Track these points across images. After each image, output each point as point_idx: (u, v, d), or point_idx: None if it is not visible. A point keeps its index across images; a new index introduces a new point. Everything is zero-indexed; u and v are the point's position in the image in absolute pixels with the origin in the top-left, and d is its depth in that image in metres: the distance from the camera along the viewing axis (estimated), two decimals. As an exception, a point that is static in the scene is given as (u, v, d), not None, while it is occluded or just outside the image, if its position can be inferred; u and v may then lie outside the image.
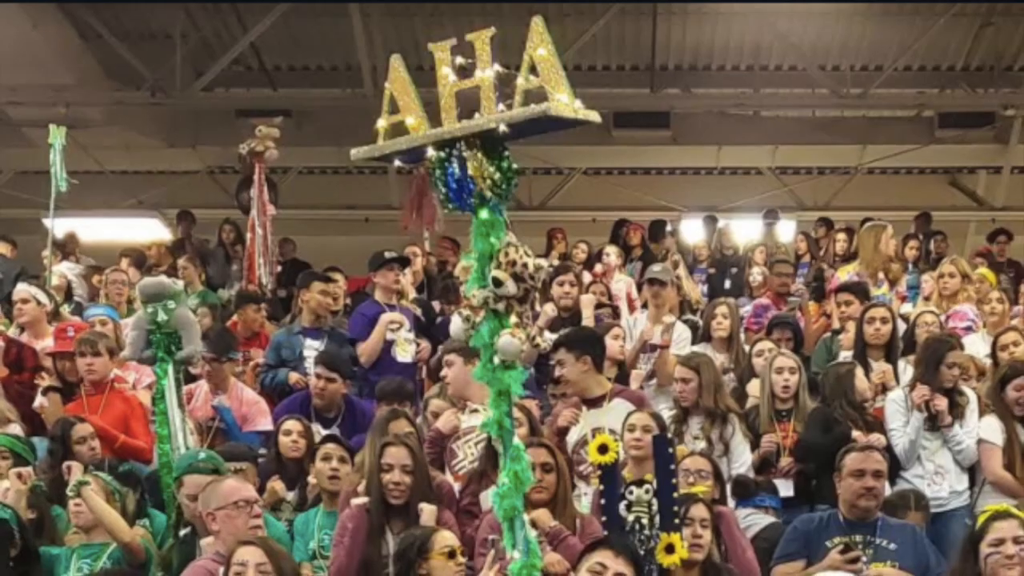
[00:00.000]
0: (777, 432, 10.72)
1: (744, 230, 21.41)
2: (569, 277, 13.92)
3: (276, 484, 10.10)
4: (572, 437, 9.69)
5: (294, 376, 12.53)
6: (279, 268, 17.26)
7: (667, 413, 10.40)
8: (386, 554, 8.10)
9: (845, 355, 12.20)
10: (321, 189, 25.44)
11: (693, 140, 24.45)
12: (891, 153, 24.58)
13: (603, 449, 7.82)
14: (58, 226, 16.61)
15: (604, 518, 7.81)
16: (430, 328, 14.01)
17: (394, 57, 5.91)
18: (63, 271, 17.15)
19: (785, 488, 10.55)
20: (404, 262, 14.45)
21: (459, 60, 5.65)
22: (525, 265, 5.67)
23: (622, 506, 7.78)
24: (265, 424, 11.65)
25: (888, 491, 9.39)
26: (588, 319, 13.33)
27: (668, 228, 21.28)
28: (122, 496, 9.11)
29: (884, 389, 11.30)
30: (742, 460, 10.38)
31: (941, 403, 10.44)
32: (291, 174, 23.85)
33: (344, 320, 13.91)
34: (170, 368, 9.82)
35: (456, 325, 5.99)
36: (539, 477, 7.61)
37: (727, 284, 18.26)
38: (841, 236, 19.33)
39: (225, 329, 13.25)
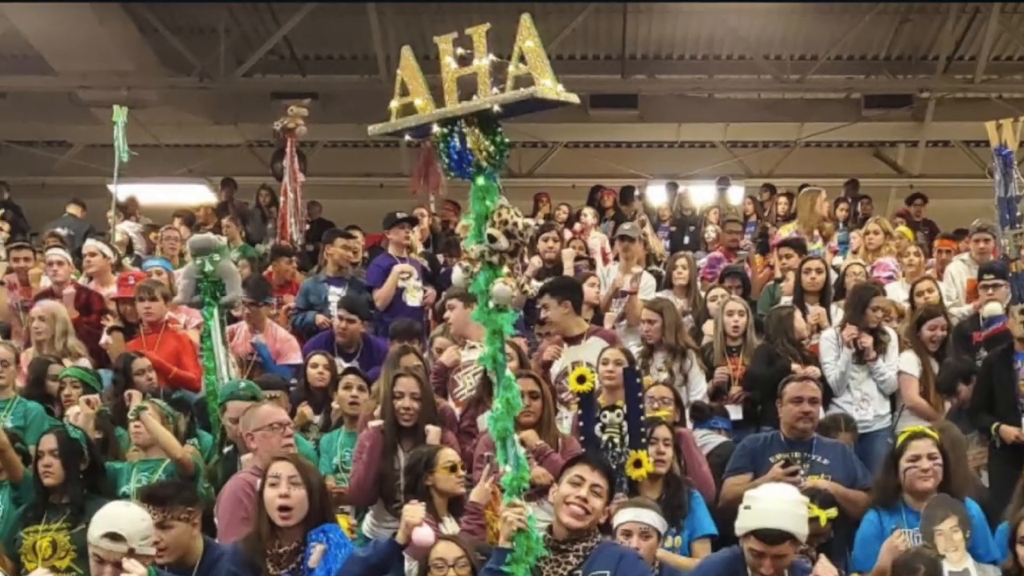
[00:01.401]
0: (728, 365, 10.74)
1: (700, 195, 21.25)
2: (552, 234, 14.00)
3: (305, 409, 10.10)
4: (555, 369, 9.65)
5: (320, 318, 12.49)
6: (307, 226, 17.14)
7: (635, 349, 10.37)
8: (398, 468, 8.08)
9: (786, 300, 12.17)
10: (343, 160, 25.36)
11: (657, 118, 24.38)
12: (824, 129, 24.54)
13: (581, 379, 7.85)
14: (121, 191, 16.56)
15: (582, 438, 7.85)
16: (435, 277, 13.96)
17: (404, 48, 5.95)
18: (125, 229, 17.09)
19: (735, 412, 10.58)
20: (413, 221, 14.44)
21: (459, 51, 5.70)
22: (515, 224, 5.70)
23: (597, 428, 7.82)
24: (296, 358, 11.62)
25: (822, 415, 9.37)
26: (568, 270, 13.32)
27: (636, 193, 21.16)
28: (175, 419, 9.09)
29: (819, 329, 11.29)
30: (699, 389, 10.40)
31: (867, 340, 10.43)
32: (317, 147, 23.75)
33: (362, 270, 13.86)
34: (215, 311, 9.80)
35: (457, 275, 6.00)
36: (527, 403, 7.57)
37: (686, 240, 18.16)
38: (782, 199, 19.28)
39: (262, 278, 13.22)
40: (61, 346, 10.74)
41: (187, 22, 22.29)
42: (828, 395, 10.26)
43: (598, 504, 6.21)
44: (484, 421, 7.41)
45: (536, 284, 10.53)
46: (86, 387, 9.56)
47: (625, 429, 7.79)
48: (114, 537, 6.06)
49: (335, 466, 8.98)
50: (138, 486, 8.19)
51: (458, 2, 18.98)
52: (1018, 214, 9.96)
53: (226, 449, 8.93)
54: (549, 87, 5.47)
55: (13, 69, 22.57)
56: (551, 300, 9.90)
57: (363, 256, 14.86)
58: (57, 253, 12.53)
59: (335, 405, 9.81)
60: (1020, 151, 10.15)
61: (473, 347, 9.50)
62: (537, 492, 7.20)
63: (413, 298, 12.76)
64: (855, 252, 14.71)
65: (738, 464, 8.62)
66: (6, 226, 15.25)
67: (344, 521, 7.73)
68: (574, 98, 5.65)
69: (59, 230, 16.71)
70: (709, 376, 10.61)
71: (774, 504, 6.13)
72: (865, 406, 10.45)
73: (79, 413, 9.06)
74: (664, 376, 10.03)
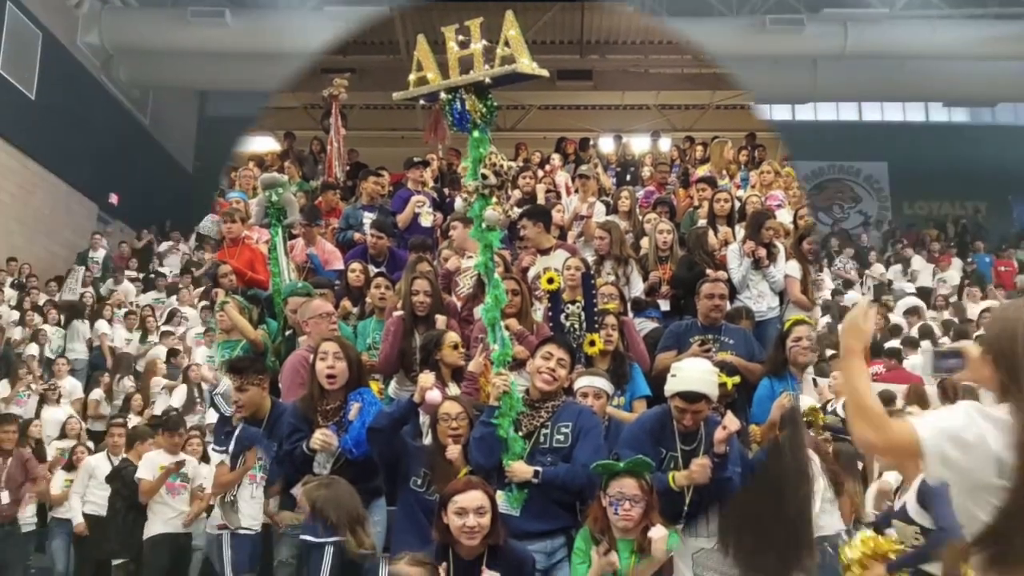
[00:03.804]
0: (659, 270, 10.68)
1: (638, 144, 21.20)
2: (529, 173, 13.97)
3: (346, 303, 10.06)
4: (531, 273, 9.62)
5: (357, 235, 12.42)
6: (348, 167, 17.05)
7: (591, 258, 10.32)
8: (415, 346, 8.06)
9: (702, 222, 12.12)
10: (374, 118, 25.22)
11: (607, 88, 24.44)
12: (731, 96, 24.50)
13: (550, 281, 7.83)
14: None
15: (551, 324, 7.86)
16: (442, 205, 13.89)
17: (419, 36, 6.07)
18: (213, 169, 17.03)
19: (664, 305, 10.54)
20: (426, 164, 14.38)
21: (460, 37, 5.81)
22: (501, 166, 5.91)
23: (562, 316, 7.82)
24: (339, 265, 11.55)
25: (728, 307, 9.35)
26: (541, 200, 13.26)
27: (591, 143, 20.96)
28: (250, 310, 9.14)
29: (726, 243, 11.23)
30: (637, 288, 10.36)
31: (761, 252, 10.39)
32: (355, 109, 23.60)
33: (388, 200, 13.78)
34: (279, 230, 9.74)
35: (458, 203, 6.08)
36: (510, 298, 7.56)
37: (628, 178, 18.09)
38: (699, 148, 19.08)
39: (314, 206, 13.17)
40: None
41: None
42: (733, 292, 10.22)
43: (563, 373, 6.28)
44: (478, 312, 7.43)
45: (517, 210, 10.55)
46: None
47: (583, 317, 7.85)
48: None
49: (368, 345, 8.95)
50: (222, 359, 8.21)
51: (460, 1, 18.83)
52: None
53: (287, 332, 9.00)
54: (526, 64, 5.59)
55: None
56: (528, 222, 9.86)
57: (389, 189, 14.78)
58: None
59: (368, 300, 9.77)
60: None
61: (470, 257, 9.46)
62: (518, 364, 7.18)
63: (426, 220, 12.68)
64: (753, 187, 14.63)
65: (666, 344, 8.63)
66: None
67: (375, 386, 7.72)
68: (544, 72, 5.75)
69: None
70: (645, 278, 10.58)
71: (693, 373, 6.16)
72: (760, 301, 10.42)
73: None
74: (612, 278, 9.98)
